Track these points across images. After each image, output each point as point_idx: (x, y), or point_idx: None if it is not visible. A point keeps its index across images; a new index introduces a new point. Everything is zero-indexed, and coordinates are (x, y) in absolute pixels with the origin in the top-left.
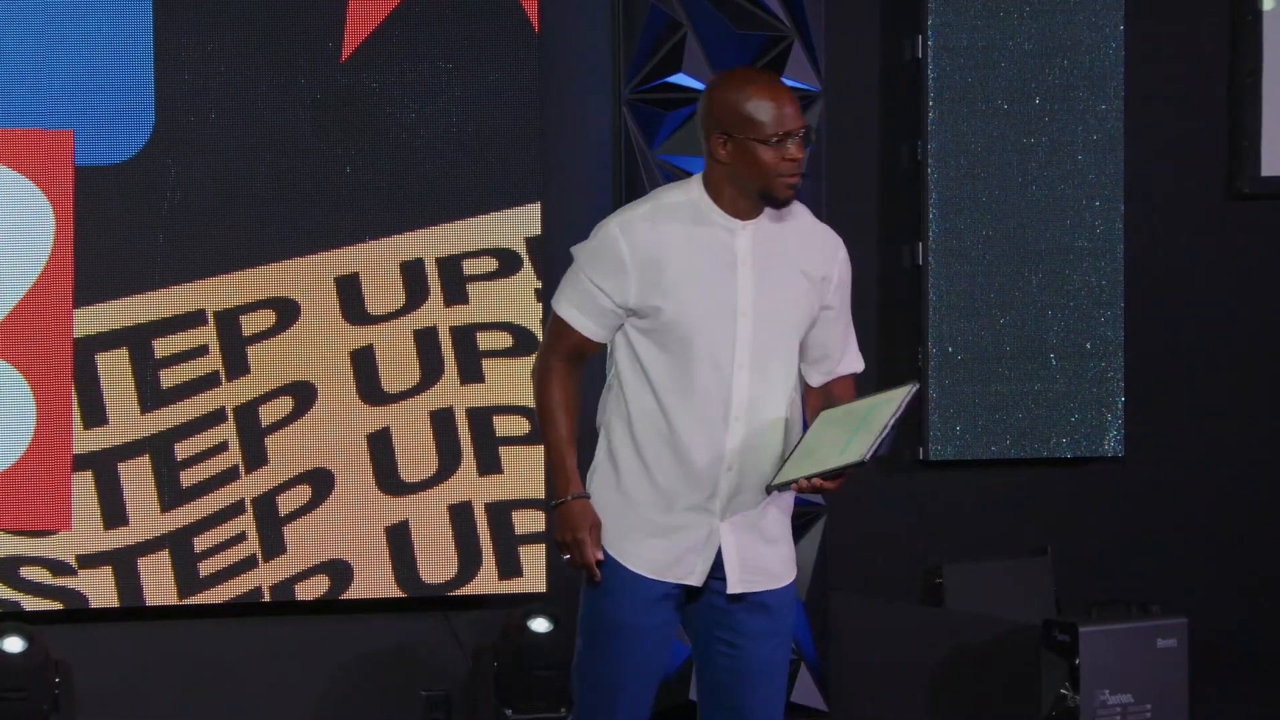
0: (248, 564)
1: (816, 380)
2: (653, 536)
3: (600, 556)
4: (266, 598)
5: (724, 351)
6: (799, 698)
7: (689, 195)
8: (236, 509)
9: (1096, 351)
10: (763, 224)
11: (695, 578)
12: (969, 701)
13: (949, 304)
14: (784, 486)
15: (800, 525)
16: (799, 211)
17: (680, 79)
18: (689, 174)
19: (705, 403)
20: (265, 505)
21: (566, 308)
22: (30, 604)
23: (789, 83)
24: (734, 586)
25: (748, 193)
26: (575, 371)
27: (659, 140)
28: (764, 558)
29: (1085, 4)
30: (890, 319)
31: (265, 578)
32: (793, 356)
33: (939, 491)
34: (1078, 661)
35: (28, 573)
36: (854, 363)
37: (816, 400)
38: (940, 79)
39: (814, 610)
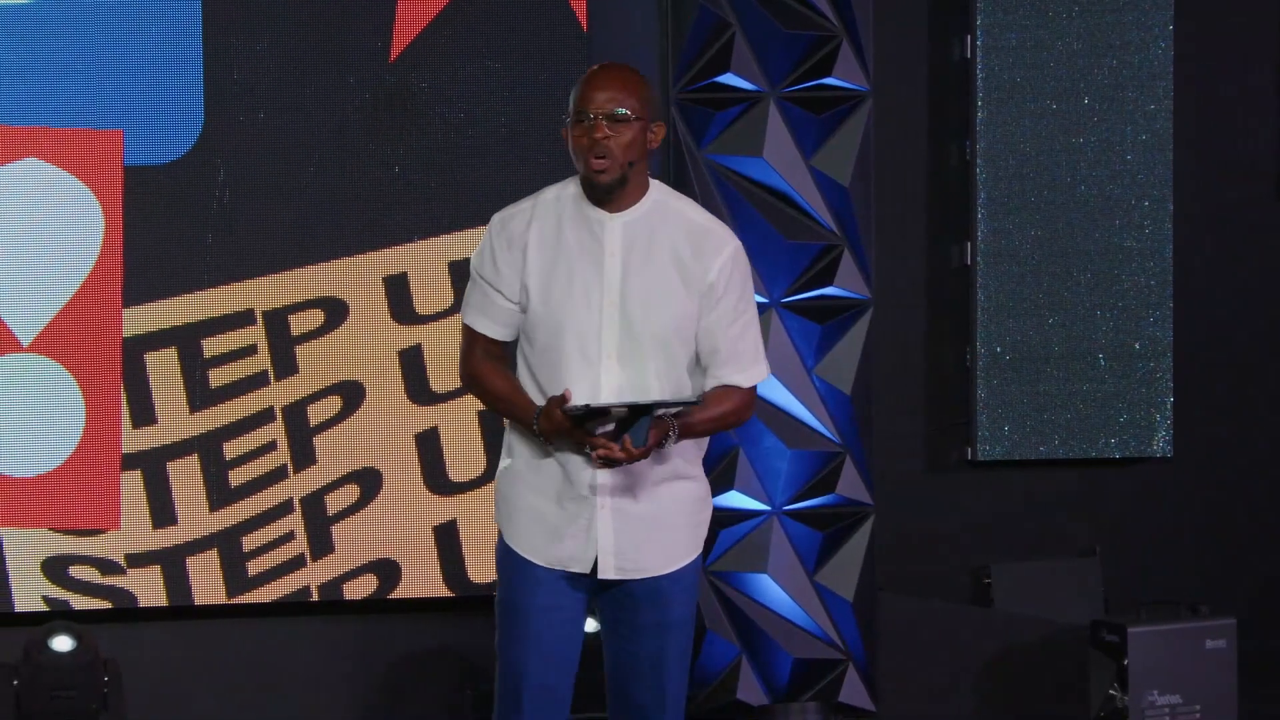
0: (296, 563)
1: (707, 386)
2: (540, 524)
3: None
4: (315, 597)
5: (591, 341)
6: (846, 697)
7: (567, 190)
8: (285, 508)
9: (1145, 352)
10: (637, 217)
11: (580, 565)
12: (1017, 702)
13: (997, 304)
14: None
15: (848, 525)
16: (686, 208)
17: (729, 79)
18: (737, 174)
19: (577, 392)
20: (313, 505)
21: (471, 314)
22: (79, 603)
23: (836, 82)
24: (605, 572)
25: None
26: (498, 361)
27: (707, 140)
28: (643, 546)
29: (1134, 3)
30: (938, 319)
31: (313, 577)
32: (670, 350)
33: (987, 492)
34: (1126, 662)
35: (77, 572)
36: (741, 373)
37: None
38: (989, 79)
39: (861, 610)
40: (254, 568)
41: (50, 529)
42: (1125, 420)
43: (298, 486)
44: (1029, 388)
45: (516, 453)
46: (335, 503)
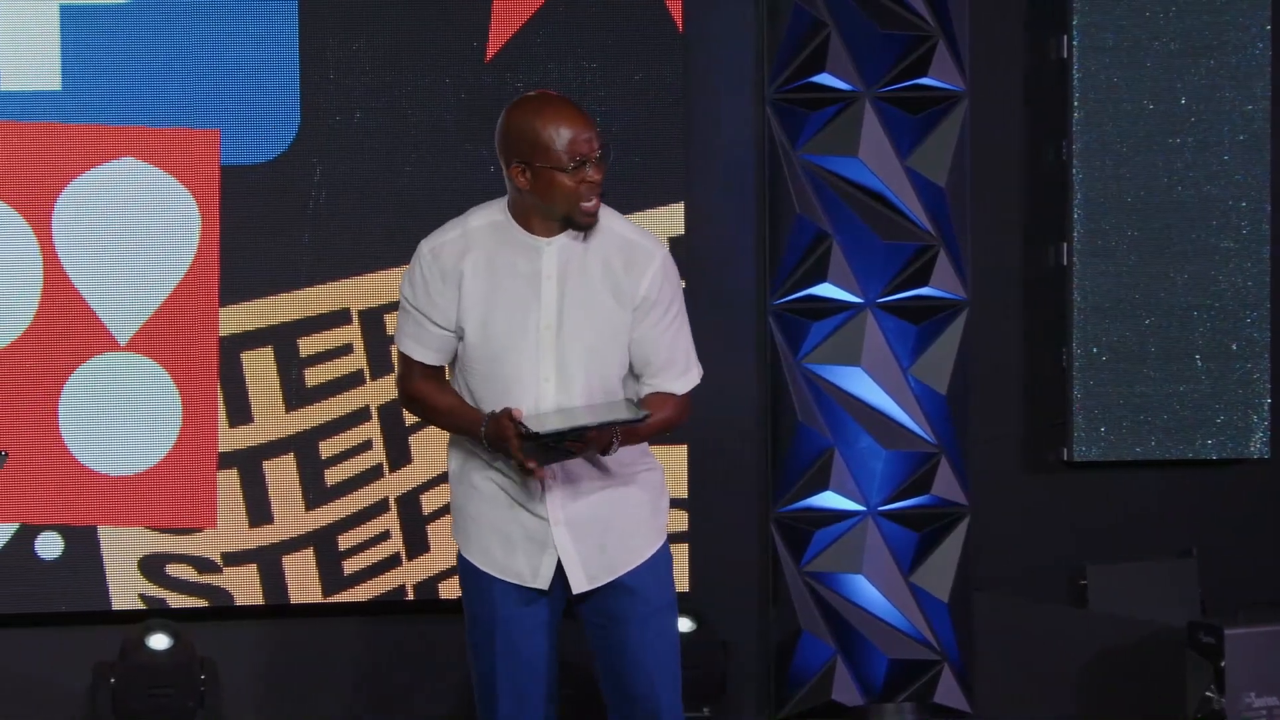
0: (391, 562)
1: (642, 393)
2: (495, 535)
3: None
4: (410, 596)
5: (529, 364)
6: (942, 698)
7: (495, 218)
8: (380, 507)
9: (1242, 352)
10: (570, 239)
11: (540, 581)
12: (1113, 703)
13: (1094, 305)
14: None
15: (943, 526)
16: (613, 223)
17: (824, 79)
18: (833, 175)
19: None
20: (409, 503)
21: (406, 342)
22: (176, 601)
23: (932, 83)
24: (579, 586)
25: (552, 216)
26: (436, 380)
27: (802, 140)
28: (608, 549)
29: (1232, 3)
30: (1035, 320)
31: (409, 576)
32: (607, 369)
33: (1083, 492)
34: (1223, 664)
35: (174, 570)
36: (677, 380)
37: None
38: (1085, 79)
39: (957, 610)
40: (350, 566)
41: (147, 527)
42: (1222, 421)
43: (393, 485)
44: (1125, 389)
45: (466, 467)
46: (430, 501)
